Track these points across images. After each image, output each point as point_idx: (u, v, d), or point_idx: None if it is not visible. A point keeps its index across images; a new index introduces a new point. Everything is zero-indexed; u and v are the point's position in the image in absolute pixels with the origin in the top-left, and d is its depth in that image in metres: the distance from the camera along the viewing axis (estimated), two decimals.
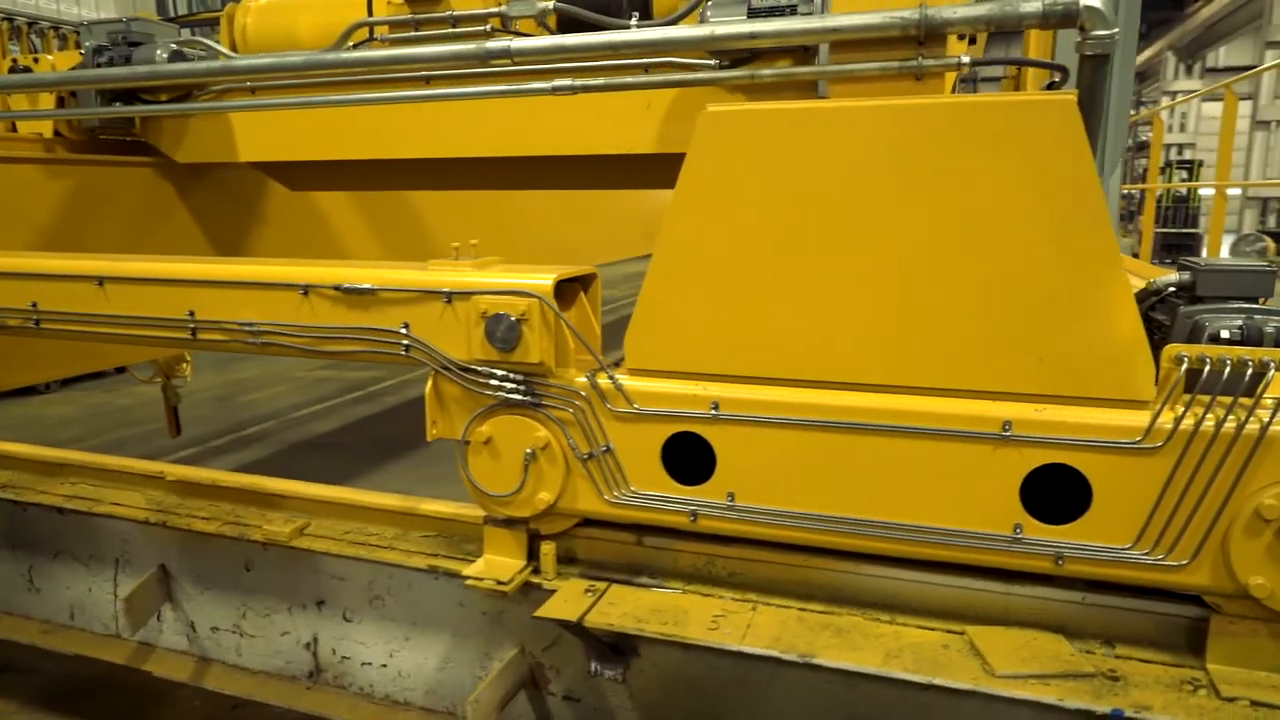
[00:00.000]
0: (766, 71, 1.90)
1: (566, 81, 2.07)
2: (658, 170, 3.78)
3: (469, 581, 1.99)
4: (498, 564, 2.05)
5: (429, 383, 2.00)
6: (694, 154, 1.73)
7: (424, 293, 1.94)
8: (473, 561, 2.12)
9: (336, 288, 2.01)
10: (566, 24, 3.50)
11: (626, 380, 1.86)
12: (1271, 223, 18.03)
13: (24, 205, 3.68)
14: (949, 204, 1.60)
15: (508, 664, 2.13)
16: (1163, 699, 1.53)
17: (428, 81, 3.49)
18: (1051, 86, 1.83)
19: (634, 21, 2.84)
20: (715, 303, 1.78)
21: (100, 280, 2.28)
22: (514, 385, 1.91)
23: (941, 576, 1.81)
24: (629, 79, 2.17)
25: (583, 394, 1.89)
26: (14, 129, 4.00)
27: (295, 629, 2.45)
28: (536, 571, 2.05)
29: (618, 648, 2.07)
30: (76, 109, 3.80)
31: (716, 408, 1.79)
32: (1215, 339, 1.78)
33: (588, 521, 2.03)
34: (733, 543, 1.95)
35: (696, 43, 1.78)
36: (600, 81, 2.12)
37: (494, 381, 1.92)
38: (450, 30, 3.64)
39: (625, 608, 1.88)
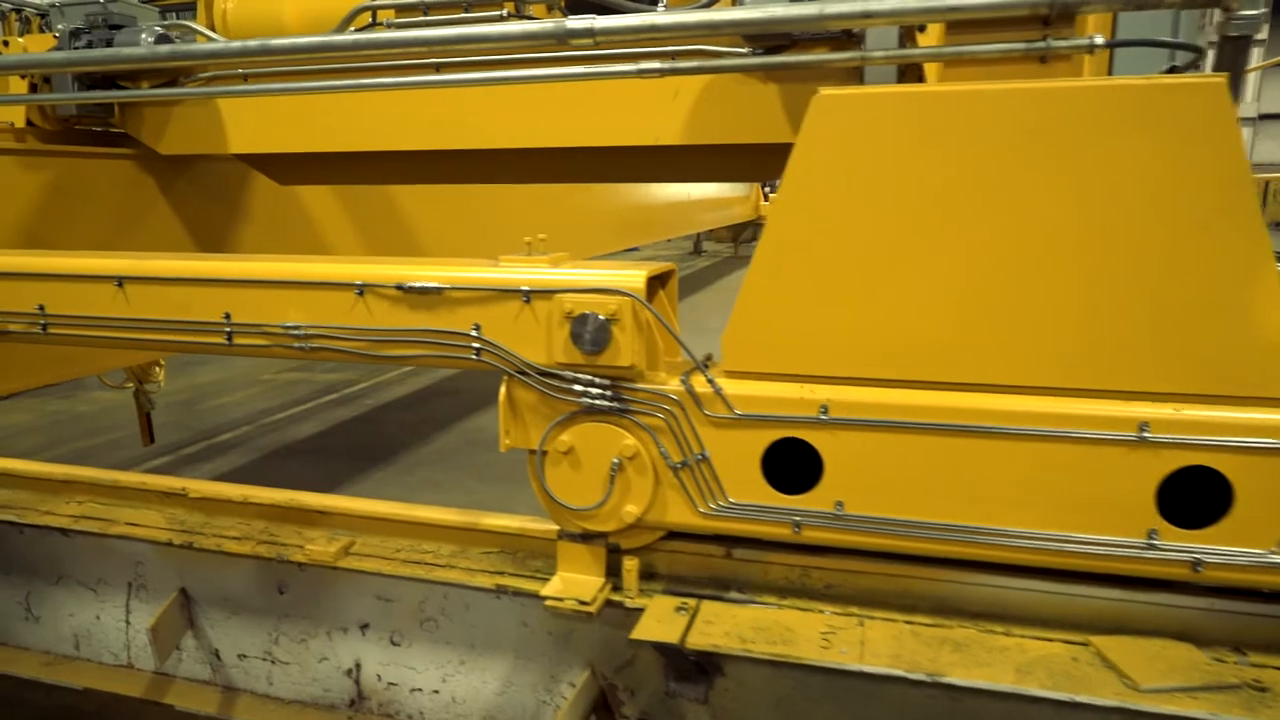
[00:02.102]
0: (878, 53, 1.79)
1: (655, 64, 1.94)
2: (682, 162, 3.66)
3: (549, 603, 1.85)
4: (575, 582, 1.91)
5: (502, 389, 1.85)
6: (804, 140, 1.61)
7: (499, 291, 1.80)
8: (542, 579, 1.98)
9: (399, 287, 1.85)
10: (578, 6, 3.35)
11: (725, 383, 1.73)
12: None
13: None
14: (1085, 193, 1.51)
15: (582, 688, 1.99)
16: None
17: (438, 69, 3.32)
18: (1173, 70, 1.75)
19: (662, 5, 2.71)
20: (824, 299, 1.67)
21: (120, 280, 2.08)
22: (600, 390, 1.77)
23: (1057, 584, 1.72)
24: (724, 61, 2.04)
25: (675, 398, 1.76)
26: None
27: (335, 654, 2.27)
28: (616, 588, 1.92)
29: (702, 666, 1.95)
30: (53, 95, 3.53)
31: (825, 411, 1.68)
32: None
33: (671, 534, 1.91)
34: (830, 553, 1.84)
35: (803, 20, 1.66)
36: (694, 64, 1.99)
37: (578, 387, 1.78)
38: (462, 14, 3.48)
39: (725, 626, 1.76)
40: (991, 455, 1.62)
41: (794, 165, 1.64)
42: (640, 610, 1.88)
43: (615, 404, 1.77)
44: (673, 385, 1.76)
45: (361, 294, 1.89)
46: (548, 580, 1.96)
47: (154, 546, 2.33)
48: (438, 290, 1.82)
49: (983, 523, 1.65)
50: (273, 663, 2.34)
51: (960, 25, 1.63)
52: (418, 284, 1.83)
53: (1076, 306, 1.55)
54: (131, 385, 5.11)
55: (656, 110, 3.03)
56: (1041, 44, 1.57)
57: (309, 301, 1.93)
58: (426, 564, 2.07)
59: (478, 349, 1.83)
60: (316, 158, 3.81)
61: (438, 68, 3.28)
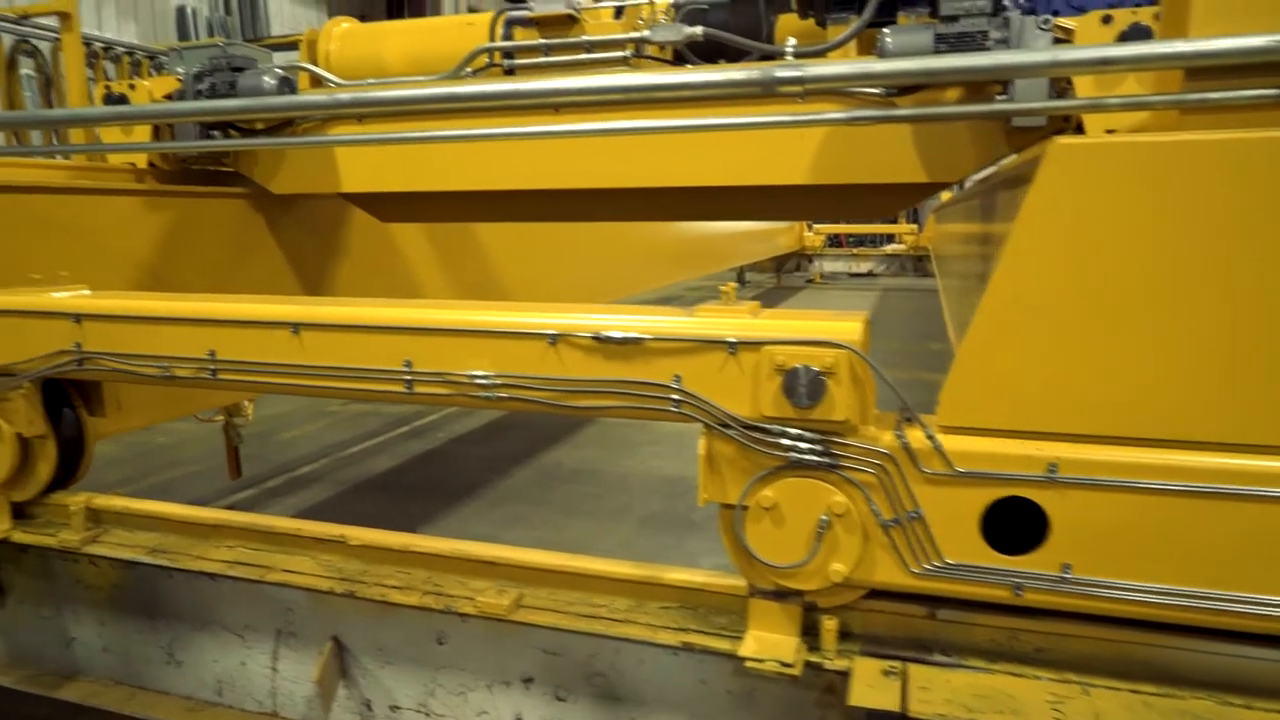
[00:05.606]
0: (1113, 99, 1.73)
1: (871, 111, 1.90)
2: (800, 201, 3.63)
3: (749, 664, 1.78)
4: (770, 641, 1.85)
5: (701, 442, 1.80)
6: (1040, 189, 1.56)
7: (703, 342, 1.75)
8: (727, 637, 1.92)
9: (595, 337, 1.81)
10: (705, 51, 3.35)
11: (944, 439, 1.67)
12: None
13: (119, 240, 3.45)
14: None
15: None
16: None
17: (557, 110, 3.33)
18: None
19: (789, 48, 2.68)
20: (1056, 354, 1.61)
21: (296, 327, 2.07)
22: (810, 445, 1.72)
23: None
24: (945, 109, 2.00)
25: (888, 453, 1.70)
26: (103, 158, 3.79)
27: (495, 708, 2.22)
28: (811, 648, 1.85)
29: None
30: (175, 140, 3.59)
31: (1054, 470, 1.61)
32: None
33: (871, 593, 1.84)
34: (1042, 615, 1.76)
35: (1032, 67, 1.62)
36: (906, 112, 1.95)
37: (785, 441, 1.73)
38: (585, 56, 3.49)
39: (943, 693, 1.68)
40: (1239, 518, 1.54)
41: (1026, 217, 1.59)
42: (838, 672, 1.81)
43: (825, 459, 1.72)
44: (886, 440, 1.70)
45: (554, 343, 1.85)
46: (733, 638, 1.90)
47: (308, 594, 2.30)
48: (637, 341, 1.79)
49: (1226, 588, 1.57)
50: (428, 715, 2.29)
51: (1202, 71, 1.58)
52: (617, 334, 1.79)
53: None
54: (221, 419, 5.14)
55: (784, 150, 3.01)
56: None
57: (497, 350, 1.90)
58: (603, 618, 2.01)
59: (677, 400, 1.79)
60: (424, 196, 3.83)
61: (557, 109, 3.28)
